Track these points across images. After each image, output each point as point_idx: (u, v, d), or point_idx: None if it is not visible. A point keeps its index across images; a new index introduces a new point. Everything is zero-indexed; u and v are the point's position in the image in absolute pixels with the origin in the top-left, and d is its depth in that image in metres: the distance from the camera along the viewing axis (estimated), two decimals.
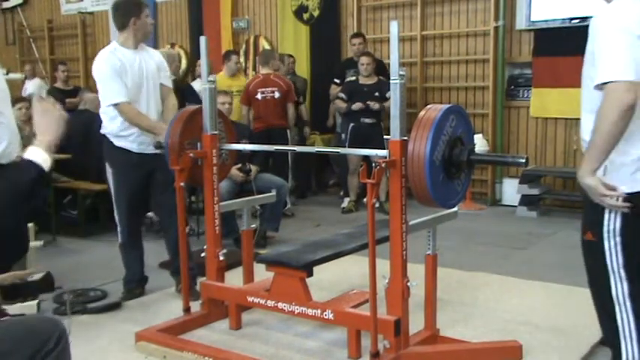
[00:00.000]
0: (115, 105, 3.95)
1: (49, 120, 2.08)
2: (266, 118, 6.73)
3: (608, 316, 2.39)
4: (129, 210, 4.17)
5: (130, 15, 4.03)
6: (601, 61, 2.21)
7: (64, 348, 2.24)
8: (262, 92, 6.72)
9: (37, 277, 2.48)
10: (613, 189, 2.26)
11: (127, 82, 3.98)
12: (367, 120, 6.73)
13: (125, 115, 3.96)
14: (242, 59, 9.09)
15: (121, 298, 4.16)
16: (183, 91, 6.40)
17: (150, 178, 4.12)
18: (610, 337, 2.44)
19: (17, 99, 6.58)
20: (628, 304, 2.34)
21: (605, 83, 2.18)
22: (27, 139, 6.37)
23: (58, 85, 9.03)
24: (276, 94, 6.77)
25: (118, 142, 4.07)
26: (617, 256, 2.32)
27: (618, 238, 2.30)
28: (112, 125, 4.06)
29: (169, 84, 4.26)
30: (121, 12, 4.08)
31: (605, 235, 2.32)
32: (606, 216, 2.30)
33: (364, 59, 6.85)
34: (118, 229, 4.24)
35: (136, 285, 4.25)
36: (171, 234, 3.98)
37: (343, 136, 6.99)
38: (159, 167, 3.95)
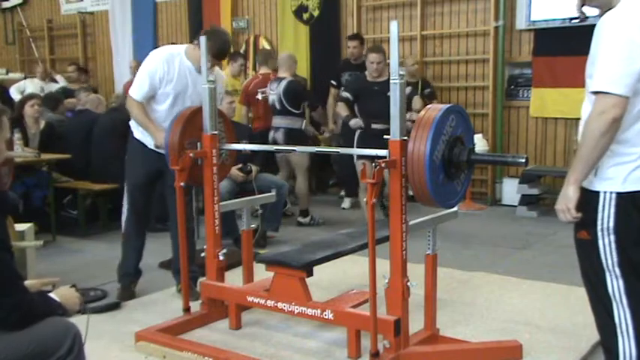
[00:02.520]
0: (129, 96, 4.12)
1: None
2: (266, 117, 6.71)
3: (605, 312, 2.40)
4: (133, 200, 4.25)
5: (194, 38, 3.97)
6: (598, 68, 2.22)
7: (78, 354, 2.25)
8: (262, 92, 6.71)
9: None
10: (577, 216, 2.33)
11: (165, 91, 4.03)
12: (378, 126, 5.33)
13: (130, 105, 4.10)
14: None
15: (117, 295, 4.18)
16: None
17: (161, 178, 4.15)
18: (606, 336, 2.45)
19: (27, 97, 6.56)
20: (624, 300, 2.34)
21: (598, 92, 2.20)
22: (33, 137, 6.38)
23: (68, 85, 9.03)
24: None
25: (137, 134, 4.17)
26: (611, 254, 2.33)
27: (612, 237, 2.31)
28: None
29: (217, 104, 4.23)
30: (204, 37, 3.72)
31: (600, 233, 2.32)
32: (599, 214, 2.31)
33: (373, 57, 5.69)
34: (123, 217, 4.27)
35: (130, 280, 4.27)
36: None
37: (342, 140, 6.58)
38: (168, 169, 3.96)
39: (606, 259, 2.33)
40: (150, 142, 4.09)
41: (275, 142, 6.19)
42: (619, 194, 2.29)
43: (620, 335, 2.37)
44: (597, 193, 2.32)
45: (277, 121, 6.26)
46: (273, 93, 6.25)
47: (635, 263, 2.33)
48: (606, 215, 2.31)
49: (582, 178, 2.31)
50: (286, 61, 6.44)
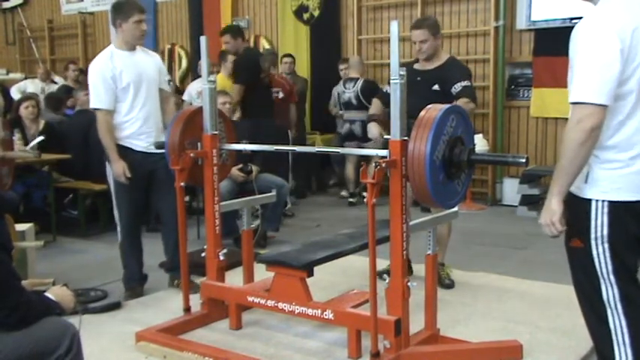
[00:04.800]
0: (94, 109, 4.09)
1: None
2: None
3: (598, 320, 2.38)
4: (129, 209, 4.18)
5: (117, 18, 4.07)
6: (575, 79, 2.20)
7: (76, 353, 2.26)
8: None
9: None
10: (562, 230, 2.32)
11: (123, 86, 4.04)
12: None
13: (98, 122, 4.08)
14: None
15: (124, 297, 4.17)
16: None
17: (152, 178, 4.14)
18: (601, 344, 2.43)
19: (22, 98, 6.58)
20: (619, 307, 2.32)
21: (575, 103, 2.19)
22: (32, 138, 6.39)
23: (69, 83, 9.04)
24: (280, 95, 6.78)
25: (119, 141, 4.09)
26: (606, 262, 2.29)
27: (607, 245, 2.28)
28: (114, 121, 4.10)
29: (168, 88, 4.33)
30: (112, 13, 4.14)
31: (593, 242, 2.29)
32: (592, 222, 2.28)
33: (414, 34, 4.20)
34: (118, 227, 4.25)
35: (137, 283, 4.26)
36: (175, 234, 3.98)
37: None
38: (161, 167, 3.96)
39: (601, 268, 2.31)
40: (135, 145, 4.08)
41: (352, 133, 7.17)
42: (611, 202, 2.26)
43: (615, 343, 2.35)
44: (589, 200, 2.28)
45: (354, 114, 7.21)
46: (349, 91, 7.22)
47: (629, 269, 2.31)
48: (599, 223, 2.28)
49: (565, 189, 2.28)
50: (358, 64, 7.46)
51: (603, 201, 2.26)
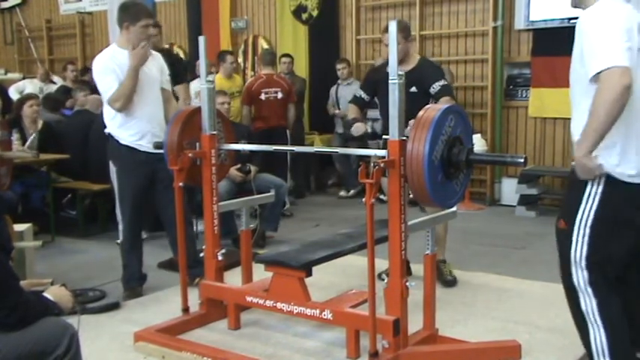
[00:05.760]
0: (109, 104, 4.04)
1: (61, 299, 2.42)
2: (269, 118, 6.76)
3: (575, 304, 2.52)
4: (133, 208, 4.19)
5: (125, 19, 4.05)
6: (594, 54, 2.26)
7: (75, 353, 2.26)
8: (266, 92, 6.75)
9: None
10: (601, 164, 2.38)
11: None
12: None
13: (114, 104, 4.00)
14: (241, 59, 9.10)
15: (123, 297, 4.17)
16: None
17: (154, 177, 4.14)
18: (581, 332, 2.54)
19: (25, 97, 6.57)
20: (589, 290, 2.44)
21: (600, 72, 2.24)
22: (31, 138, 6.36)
23: (67, 83, 9.03)
24: (279, 95, 6.79)
25: (123, 141, 4.10)
26: (582, 246, 2.41)
27: (588, 230, 2.38)
28: (113, 123, 4.11)
29: (169, 88, 4.32)
30: (120, 13, 4.12)
31: (577, 224, 2.40)
32: (582, 206, 2.38)
33: (384, 38, 4.07)
34: (120, 227, 4.25)
35: (136, 283, 4.26)
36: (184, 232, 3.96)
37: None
38: (164, 167, 3.95)
39: (575, 251, 2.43)
40: (138, 144, 4.08)
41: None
42: (608, 178, 2.35)
43: (590, 325, 2.46)
44: (585, 182, 2.39)
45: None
46: None
47: (604, 258, 2.42)
48: (588, 208, 2.38)
49: (593, 148, 2.33)
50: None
51: (600, 177, 2.35)
